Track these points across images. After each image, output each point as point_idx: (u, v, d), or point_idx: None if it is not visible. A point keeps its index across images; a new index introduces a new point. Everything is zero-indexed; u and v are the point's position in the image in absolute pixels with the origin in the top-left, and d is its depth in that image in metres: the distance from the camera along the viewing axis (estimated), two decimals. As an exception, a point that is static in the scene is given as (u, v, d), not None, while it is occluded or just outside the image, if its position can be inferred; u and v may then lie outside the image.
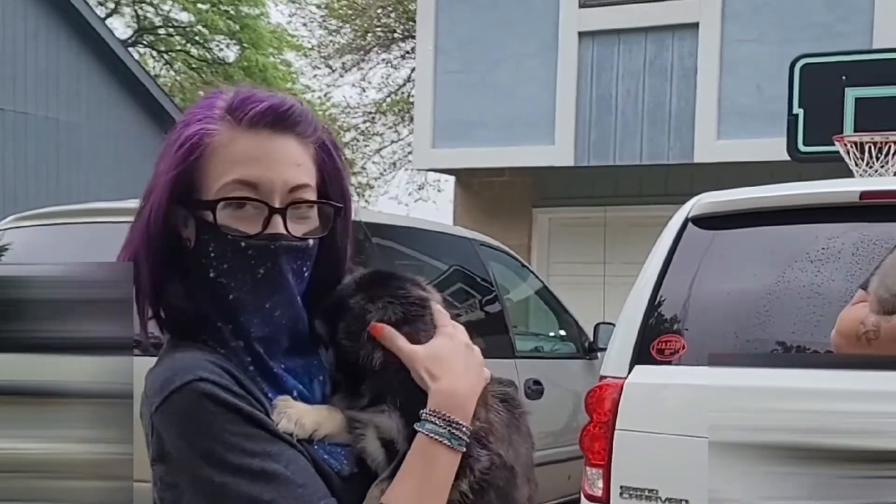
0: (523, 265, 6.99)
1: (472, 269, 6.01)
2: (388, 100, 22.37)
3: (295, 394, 1.35)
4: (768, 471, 3.20)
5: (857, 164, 7.11)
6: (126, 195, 8.34)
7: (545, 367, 6.21)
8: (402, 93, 21.94)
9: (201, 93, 1.45)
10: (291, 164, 1.34)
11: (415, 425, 1.30)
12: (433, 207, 21.69)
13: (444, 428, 1.30)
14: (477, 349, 1.41)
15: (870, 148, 7.10)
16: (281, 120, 1.34)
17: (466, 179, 11.90)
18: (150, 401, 1.31)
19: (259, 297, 1.33)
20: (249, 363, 1.34)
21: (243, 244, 1.32)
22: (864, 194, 3.48)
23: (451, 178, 12.59)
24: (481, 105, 11.05)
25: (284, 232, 1.32)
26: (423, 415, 1.30)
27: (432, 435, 1.29)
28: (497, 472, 1.35)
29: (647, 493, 3.40)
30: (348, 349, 1.35)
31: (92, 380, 4.50)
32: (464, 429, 1.31)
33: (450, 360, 1.34)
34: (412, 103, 15.78)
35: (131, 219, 5.03)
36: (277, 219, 1.32)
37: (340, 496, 1.28)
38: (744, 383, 3.36)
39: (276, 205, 1.32)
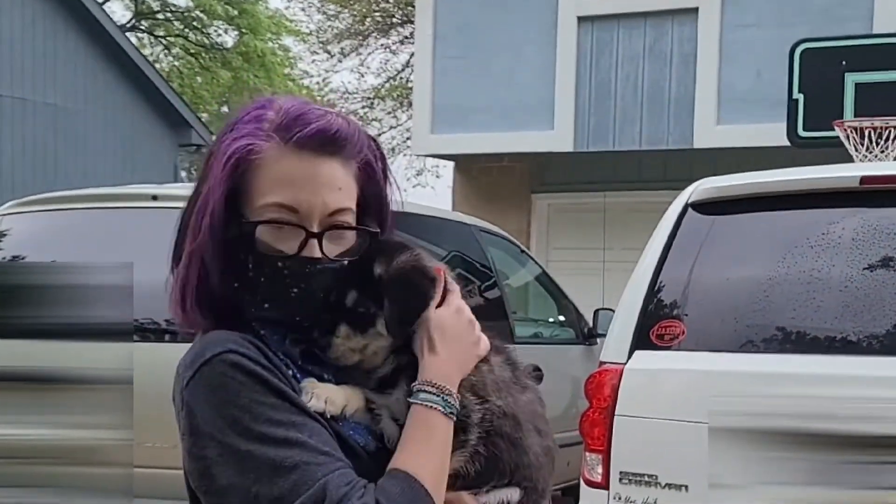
0: (522, 251, 6.98)
1: (471, 254, 6.00)
2: (387, 85, 22.34)
3: (325, 377, 1.41)
4: (768, 456, 3.21)
5: (857, 150, 7.11)
6: (124, 181, 8.34)
7: (544, 352, 6.21)
8: (401, 78, 21.90)
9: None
10: (333, 188, 1.39)
11: (409, 399, 1.37)
12: (432, 193, 21.71)
13: (438, 396, 1.37)
14: (476, 325, 1.47)
15: (870, 133, 7.08)
16: (327, 144, 1.39)
17: (465, 165, 11.88)
18: (182, 376, 1.36)
19: (290, 311, 1.40)
20: (275, 352, 1.40)
21: (280, 263, 1.38)
22: (864, 179, 3.47)
23: (450, 164, 12.58)
24: (480, 90, 11.02)
25: (320, 255, 1.38)
26: (416, 386, 1.37)
27: (427, 403, 1.36)
28: (501, 420, 1.41)
29: (646, 479, 3.41)
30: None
31: (92, 366, 4.51)
32: (454, 395, 1.38)
33: (450, 333, 1.41)
34: (411, 89, 15.75)
35: (129, 204, 4.97)
36: (314, 242, 1.38)
37: (368, 470, 1.33)
38: (744, 369, 3.37)
39: (315, 229, 1.38)
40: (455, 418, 1.37)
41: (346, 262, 1.41)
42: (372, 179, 1.45)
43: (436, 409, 1.36)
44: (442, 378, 1.38)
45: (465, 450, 1.39)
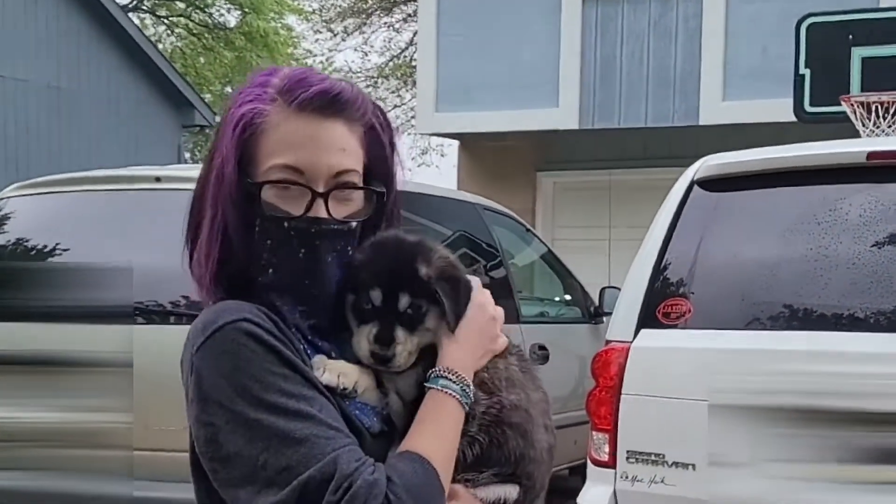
0: (528, 229, 6.96)
1: (476, 233, 5.99)
2: (391, 64, 22.28)
3: (333, 355, 1.41)
4: (770, 433, 3.20)
5: (863, 125, 7.07)
6: (127, 162, 8.32)
7: (551, 331, 6.20)
8: (405, 57, 21.83)
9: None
10: (337, 149, 1.39)
11: (425, 384, 1.39)
12: (437, 172, 21.68)
13: (458, 384, 1.38)
14: (499, 320, 1.49)
15: (876, 108, 7.05)
16: (329, 105, 1.39)
17: (470, 143, 11.85)
18: (193, 341, 1.35)
19: (298, 276, 1.40)
20: (291, 324, 1.41)
21: (286, 224, 1.38)
22: (871, 155, 3.45)
23: (455, 143, 12.54)
24: (485, 68, 10.98)
25: (326, 216, 1.39)
26: (435, 372, 1.39)
27: (445, 390, 1.38)
28: (511, 412, 1.43)
29: (653, 458, 3.40)
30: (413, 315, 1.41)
31: (92, 349, 4.50)
32: (471, 386, 1.40)
33: (472, 325, 1.43)
34: (415, 67, 15.69)
35: (133, 186, 4.96)
36: (320, 203, 1.38)
37: (371, 452, 1.33)
38: (748, 346, 3.36)
39: (320, 189, 1.38)
40: (468, 408, 1.39)
41: (353, 225, 1.41)
42: (377, 144, 1.45)
43: (453, 396, 1.38)
44: (461, 367, 1.40)
45: (463, 438, 1.40)
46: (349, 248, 1.42)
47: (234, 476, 1.31)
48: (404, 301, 1.39)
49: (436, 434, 1.35)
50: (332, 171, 1.39)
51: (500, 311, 1.51)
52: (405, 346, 1.39)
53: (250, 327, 1.33)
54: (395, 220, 1.51)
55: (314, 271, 1.40)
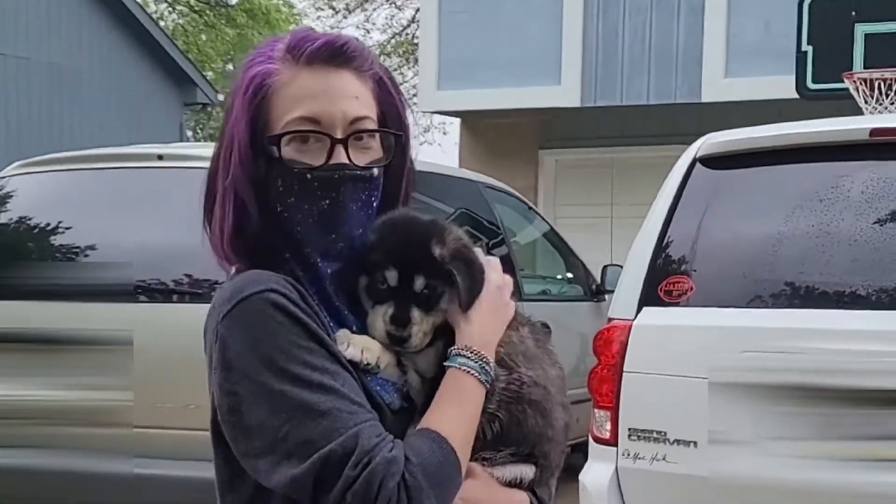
0: (530, 207, 6.96)
1: (478, 211, 5.99)
2: (393, 41, 22.21)
3: (354, 329, 1.41)
4: (772, 411, 3.21)
5: (866, 102, 7.04)
6: (129, 140, 8.30)
7: (553, 309, 6.21)
8: (407, 34, 21.76)
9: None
10: (350, 97, 1.40)
11: (445, 363, 1.39)
12: (439, 150, 21.66)
13: (476, 362, 1.39)
14: (508, 288, 1.49)
15: (879, 85, 7.01)
16: (337, 55, 1.41)
17: (472, 121, 11.82)
18: (218, 310, 1.35)
19: (324, 229, 1.40)
20: (314, 293, 1.40)
21: (308, 176, 1.38)
22: (874, 132, 3.44)
23: (457, 121, 12.51)
24: (487, 45, 10.93)
25: (347, 162, 1.39)
26: (454, 350, 1.39)
27: (464, 368, 1.38)
28: (530, 388, 1.43)
29: (655, 436, 3.41)
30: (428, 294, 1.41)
31: (92, 326, 4.52)
32: (491, 363, 1.40)
33: (485, 301, 1.43)
34: (417, 44, 15.63)
35: (135, 164, 4.95)
36: (340, 149, 1.39)
37: (391, 428, 1.33)
38: (750, 324, 3.36)
39: (338, 136, 1.39)
40: (489, 385, 1.39)
41: (375, 171, 1.42)
42: (388, 96, 1.46)
43: (472, 374, 1.38)
44: (480, 344, 1.40)
45: (483, 415, 1.40)
46: (373, 199, 1.43)
47: (254, 446, 1.31)
48: (420, 282, 1.39)
49: (455, 412, 1.36)
50: (349, 118, 1.39)
51: (507, 279, 1.50)
52: (421, 326, 1.40)
53: (277, 298, 1.33)
54: (408, 201, 1.51)
55: (339, 223, 1.39)
